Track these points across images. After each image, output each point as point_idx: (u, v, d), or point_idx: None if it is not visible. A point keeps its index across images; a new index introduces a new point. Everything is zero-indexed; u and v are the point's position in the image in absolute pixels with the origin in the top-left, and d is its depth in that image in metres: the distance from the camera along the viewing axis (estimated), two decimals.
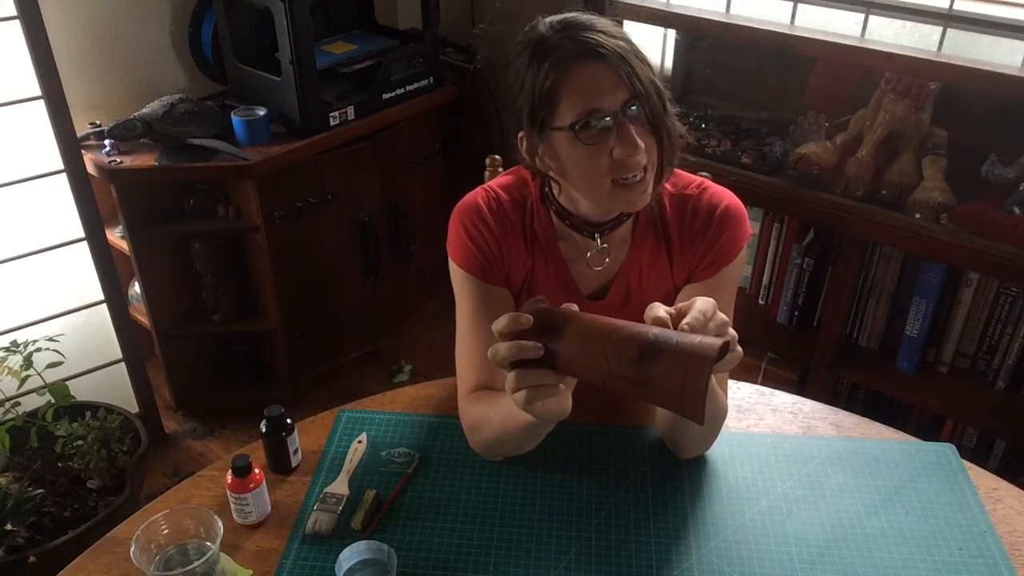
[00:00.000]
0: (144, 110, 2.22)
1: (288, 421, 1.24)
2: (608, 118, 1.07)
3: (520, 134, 1.16)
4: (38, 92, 1.97)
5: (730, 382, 1.36)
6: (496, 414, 1.16)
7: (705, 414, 0.88)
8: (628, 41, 1.10)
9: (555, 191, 1.22)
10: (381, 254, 2.57)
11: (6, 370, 1.92)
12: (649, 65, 1.11)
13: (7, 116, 1.97)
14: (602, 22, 1.11)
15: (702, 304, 0.94)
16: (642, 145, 1.08)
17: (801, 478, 1.25)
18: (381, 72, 2.41)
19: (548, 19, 1.12)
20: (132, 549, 1.01)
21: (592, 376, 0.94)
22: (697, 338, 0.89)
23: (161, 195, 2.26)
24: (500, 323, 0.97)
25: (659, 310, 0.94)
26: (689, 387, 0.87)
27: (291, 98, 2.25)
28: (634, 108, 1.08)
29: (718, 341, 0.89)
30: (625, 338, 0.91)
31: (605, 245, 1.24)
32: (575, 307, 0.98)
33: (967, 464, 1.28)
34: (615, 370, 0.91)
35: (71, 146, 2.04)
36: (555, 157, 1.13)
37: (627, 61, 1.07)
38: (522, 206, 1.26)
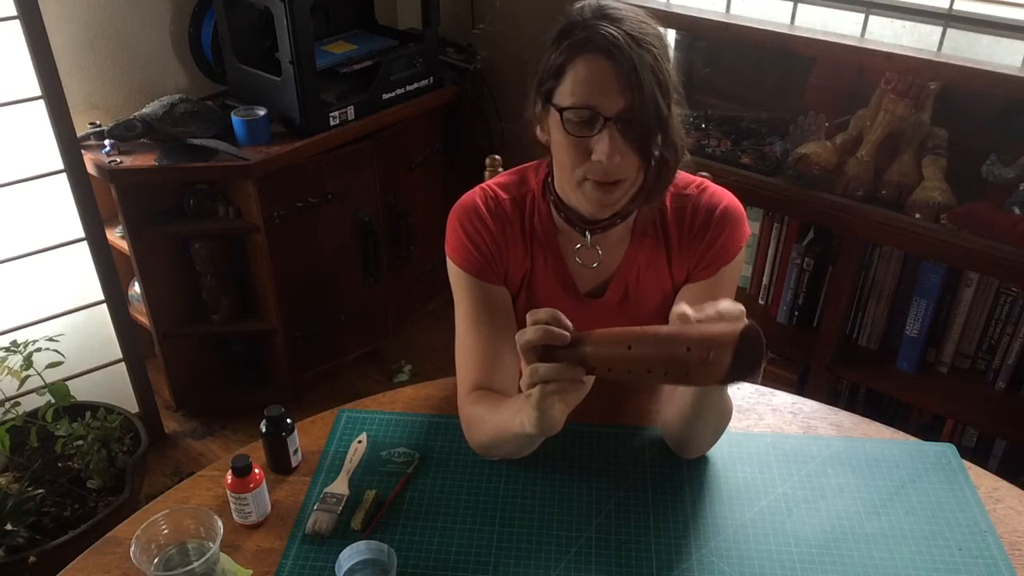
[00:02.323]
0: (144, 110, 2.22)
1: (288, 421, 1.24)
2: (597, 118, 1.07)
3: (534, 97, 1.16)
4: (38, 92, 1.97)
5: None
6: (491, 419, 1.17)
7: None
8: (654, 54, 1.06)
9: (554, 168, 1.21)
10: (381, 254, 2.57)
11: (6, 370, 1.92)
12: (665, 85, 1.08)
13: (7, 116, 1.97)
14: (635, 23, 1.08)
15: (726, 304, 0.95)
16: (618, 158, 1.07)
17: (801, 478, 1.25)
18: (381, 72, 2.41)
19: (594, 1, 1.11)
20: (132, 549, 1.01)
21: (616, 366, 0.95)
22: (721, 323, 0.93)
23: (161, 195, 2.26)
24: (540, 313, 0.97)
25: (683, 306, 0.95)
26: (713, 360, 0.90)
27: (291, 98, 2.25)
28: (628, 119, 1.06)
29: (739, 324, 0.90)
30: (651, 330, 0.94)
31: (598, 249, 1.24)
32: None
33: (967, 464, 1.28)
34: (639, 358, 0.93)
35: (71, 146, 2.05)
36: (547, 132, 1.15)
37: (638, 72, 1.04)
38: (521, 204, 1.26)
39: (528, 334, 0.96)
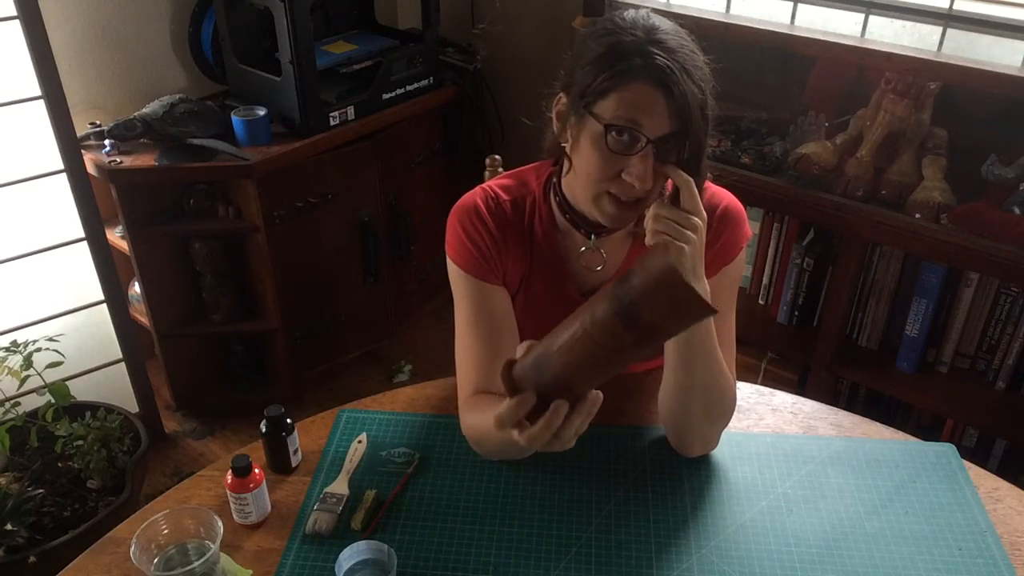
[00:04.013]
0: (144, 110, 2.22)
1: (288, 421, 1.24)
2: (640, 139, 1.06)
3: (560, 95, 1.15)
4: (38, 92, 1.97)
5: None
6: (490, 428, 1.17)
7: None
8: (703, 88, 1.06)
9: (564, 170, 1.20)
10: (381, 254, 2.57)
11: (6, 370, 1.92)
12: (707, 120, 1.08)
13: (7, 116, 1.97)
14: (687, 53, 1.07)
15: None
16: (649, 183, 1.07)
17: (801, 478, 1.25)
18: (381, 72, 2.41)
19: (641, 16, 1.09)
20: (132, 549, 1.01)
21: (597, 369, 0.91)
22: (644, 264, 0.86)
23: (161, 195, 2.26)
24: (505, 416, 0.92)
25: None
26: (672, 299, 0.82)
27: (291, 98, 2.25)
28: (668, 144, 1.06)
29: (663, 254, 0.86)
30: (599, 315, 0.87)
31: (602, 252, 1.24)
32: (527, 343, 0.94)
33: (967, 464, 1.28)
34: (612, 348, 0.87)
35: (71, 146, 2.04)
36: (577, 137, 1.13)
37: (689, 106, 1.04)
38: (521, 206, 1.26)
39: (506, 421, 0.92)
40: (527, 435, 0.92)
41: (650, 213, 1.07)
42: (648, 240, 1.08)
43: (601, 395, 0.93)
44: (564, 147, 1.17)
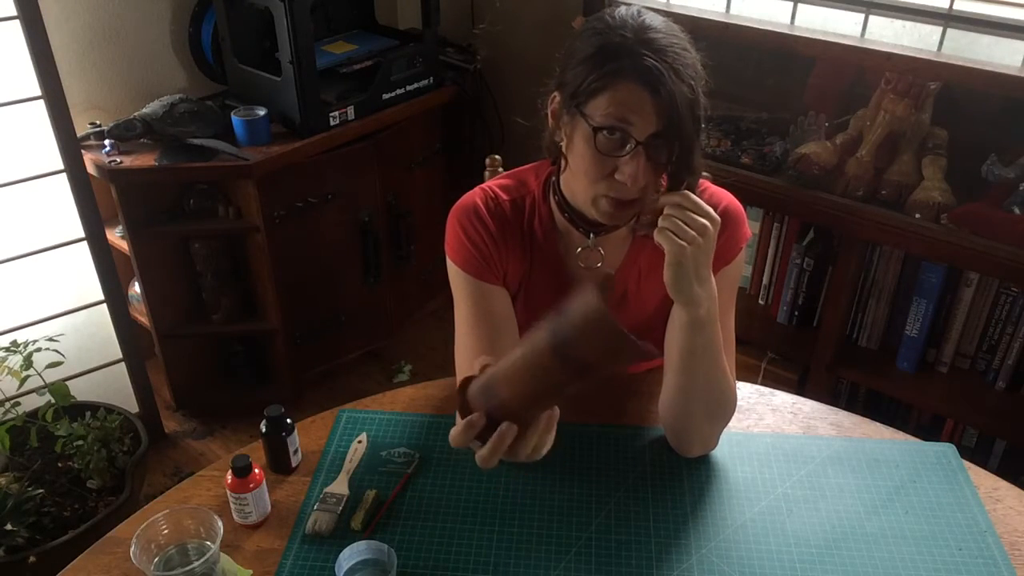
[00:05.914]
0: (144, 110, 2.22)
1: (288, 421, 1.24)
2: (629, 139, 1.06)
3: (554, 94, 1.15)
4: (38, 92, 1.97)
5: None
6: None
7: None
8: (692, 86, 1.06)
9: (562, 168, 1.20)
10: (381, 254, 2.57)
11: (6, 370, 1.92)
12: (698, 118, 1.08)
13: (7, 116, 1.97)
14: (677, 52, 1.07)
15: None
16: (642, 182, 1.08)
17: (801, 478, 1.25)
18: (381, 72, 2.41)
19: (632, 14, 1.09)
20: (132, 549, 1.01)
21: (539, 399, 0.91)
22: (580, 302, 0.86)
23: (161, 195, 2.26)
24: (455, 437, 0.92)
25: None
26: (600, 337, 0.83)
27: (291, 98, 2.25)
28: (658, 143, 1.06)
29: (591, 293, 0.85)
30: (538, 349, 0.88)
31: (600, 249, 1.24)
32: (483, 360, 0.95)
33: (967, 464, 1.28)
34: (551, 382, 0.88)
35: (71, 146, 2.05)
36: (571, 137, 1.13)
37: (677, 106, 1.04)
38: (521, 206, 1.27)
39: (460, 440, 0.92)
40: (478, 456, 0.92)
41: (666, 205, 1.07)
42: (656, 235, 1.08)
43: (558, 411, 0.94)
44: (561, 145, 1.17)
